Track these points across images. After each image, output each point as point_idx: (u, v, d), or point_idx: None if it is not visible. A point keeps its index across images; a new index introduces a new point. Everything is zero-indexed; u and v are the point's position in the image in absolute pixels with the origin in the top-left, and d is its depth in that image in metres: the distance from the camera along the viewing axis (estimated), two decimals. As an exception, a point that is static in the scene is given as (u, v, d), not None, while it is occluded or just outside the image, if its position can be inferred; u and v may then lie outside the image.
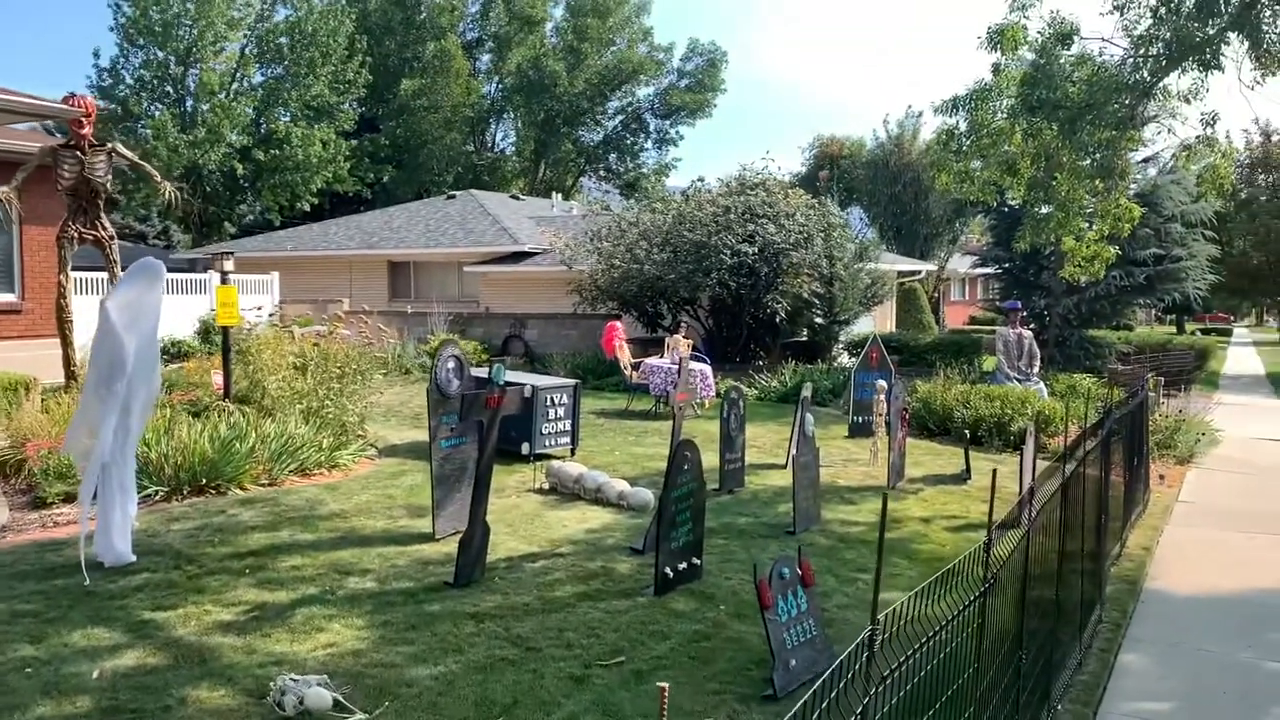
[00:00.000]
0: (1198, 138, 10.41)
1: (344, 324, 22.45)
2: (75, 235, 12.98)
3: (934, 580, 3.65)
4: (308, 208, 39.34)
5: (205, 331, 21.08)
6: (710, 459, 9.68)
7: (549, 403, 10.98)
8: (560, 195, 20.10)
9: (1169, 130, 11.23)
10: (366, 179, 43.69)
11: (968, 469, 11.29)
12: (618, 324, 15.72)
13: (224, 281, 11.01)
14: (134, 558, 6.86)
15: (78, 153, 12.39)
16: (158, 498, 8.72)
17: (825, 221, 19.43)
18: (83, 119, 12.76)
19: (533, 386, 10.86)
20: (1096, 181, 10.71)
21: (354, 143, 42.98)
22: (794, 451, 8.38)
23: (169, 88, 38.25)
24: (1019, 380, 15.73)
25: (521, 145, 50.62)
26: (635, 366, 15.36)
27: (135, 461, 7.08)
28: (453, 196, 31.74)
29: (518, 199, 33.42)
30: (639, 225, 19.62)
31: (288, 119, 39.51)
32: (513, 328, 22.18)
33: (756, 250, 18.24)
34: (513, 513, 8.63)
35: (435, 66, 43.31)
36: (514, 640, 5.74)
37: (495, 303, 25.36)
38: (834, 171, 45.28)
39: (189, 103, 38.42)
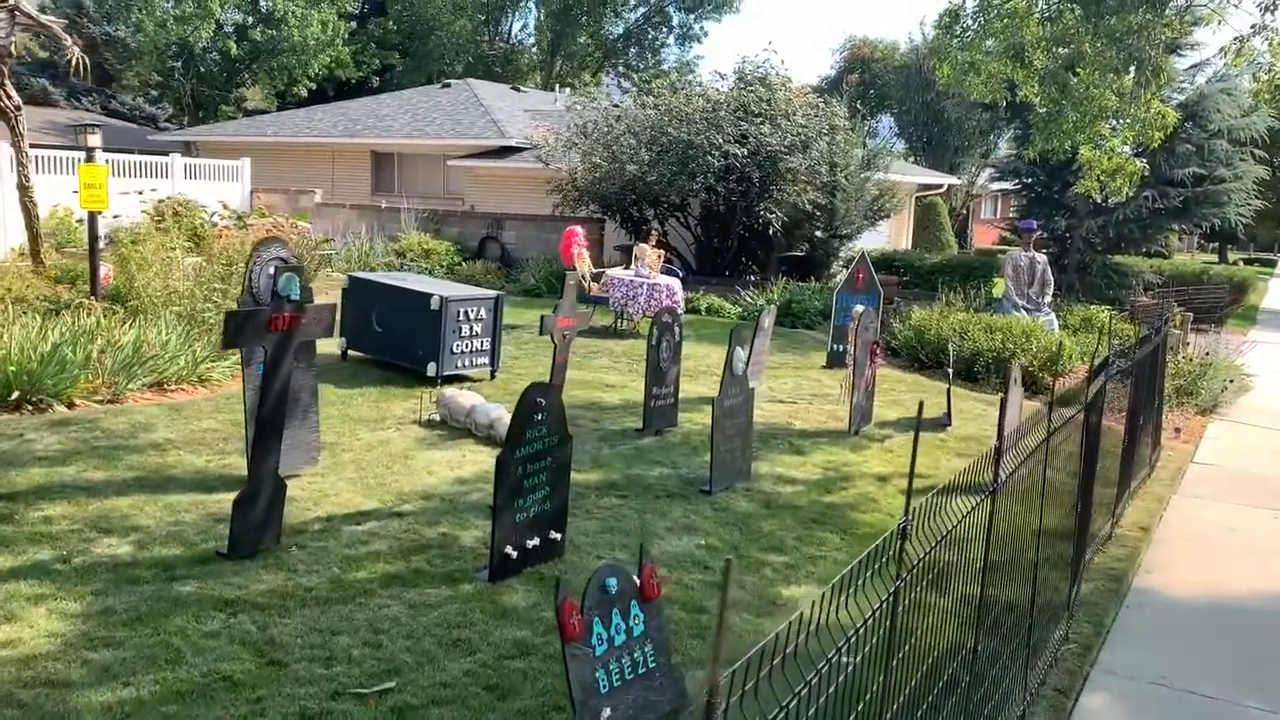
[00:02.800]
0: (1253, 28, 8.46)
1: (307, 218, 20.93)
2: None
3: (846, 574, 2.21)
4: (305, 93, 37.41)
5: (160, 217, 19.60)
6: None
7: (461, 316, 9.42)
8: (568, 90, 18.18)
9: (1219, 21, 9.24)
10: (372, 65, 41.56)
11: (949, 413, 9.68)
12: (577, 229, 14.03)
13: (89, 159, 9.43)
14: None
15: (-28, 11, 10.77)
16: (-6, 412, 7.34)
17: (829, 124, 17.45)
18: (-29, -30, 11.10)
19: (441, 297, 9.30)
20: (1125, 78, 8.83)
21: (358, 26, 40.79)
22: (719, 394, 6.84)
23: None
24: (1027, 310, 13.98)
25: (539, 36, 48.10)
26: (597, 278, 13.74)
27: None
28: (448, 85, 29.71)
29: (520, 90, 31.31)
30: (626, 119, 17.73)
31: (284, -2, 37.34)
32: (490, 229, 20.51)
33: (748, 153, 16.36)
34: (375, 452, 7.15)
35: (444, -53, 40.74)
36: (260, 647, 4.28)
37: (481, 201, 23.63)
38: (864, 76, 42.63)
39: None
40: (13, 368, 7.53)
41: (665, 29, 47.74)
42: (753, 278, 18.38)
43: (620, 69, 49.47)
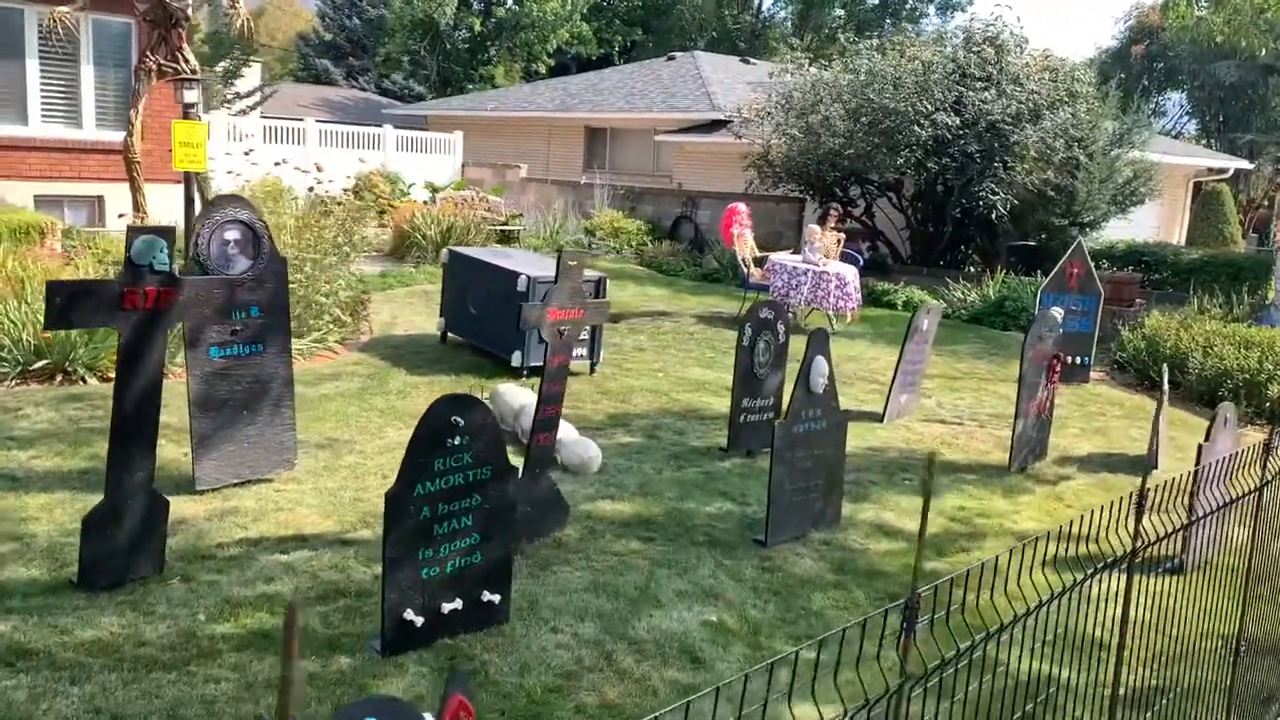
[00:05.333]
0: None
1: (500, 191, 20.44)
2: (154, 68, 11.38)
3: None
4: (543, 70, 37.54)
5: (359, 189, 19.71)
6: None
7: (553, 300, 8.18)
8: (807, 61, 16.64)
9: None
10: (614, 43, 41.24)
11: (1156, 450, 7.45)
12: (740, 206, 12.42)
13: (186, 116, 8.94)
14: None
15: (152, -27, 10.67)
16: (9, 378, 6.87)
17: (1067, 90, 14.83)
18: (148, -67, 11.01)
19: (528, 276, 8.12)
20: None
21: (602, 3, 40.55)
22: (786, 415, 5.20)
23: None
24: (1303, 322, 11.11)
25: (790, 9, 46.18)
26: (760, 262, 12.14)
27: None
28: (672, 58, 28.56)
29: (749, 63, 29.67)
30: (824, 86, 15.87)
31: (530, -28, 37.52)
32: (684, 207, 19.19)
33: (962, 123, 14.12)
34: (386, 456, 6.02)
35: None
36: (2, 731, 3.22)
37: (689, 178, 22.37)
38: (1150, 48, 37.79)
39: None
40: (47, 335, 7.02)
41: (925, -6, 44.45)
42: (971, 269, 16.12)
43: (874, 42, 46.72)
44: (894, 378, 8.12)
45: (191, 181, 9.10)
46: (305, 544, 4.76)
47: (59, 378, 7.01)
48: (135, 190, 11.40)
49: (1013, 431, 7.03)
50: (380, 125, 22.66)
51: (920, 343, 8.25)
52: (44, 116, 14.87)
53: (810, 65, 17.33)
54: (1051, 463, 7.38)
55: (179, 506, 5.05)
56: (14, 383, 6.85)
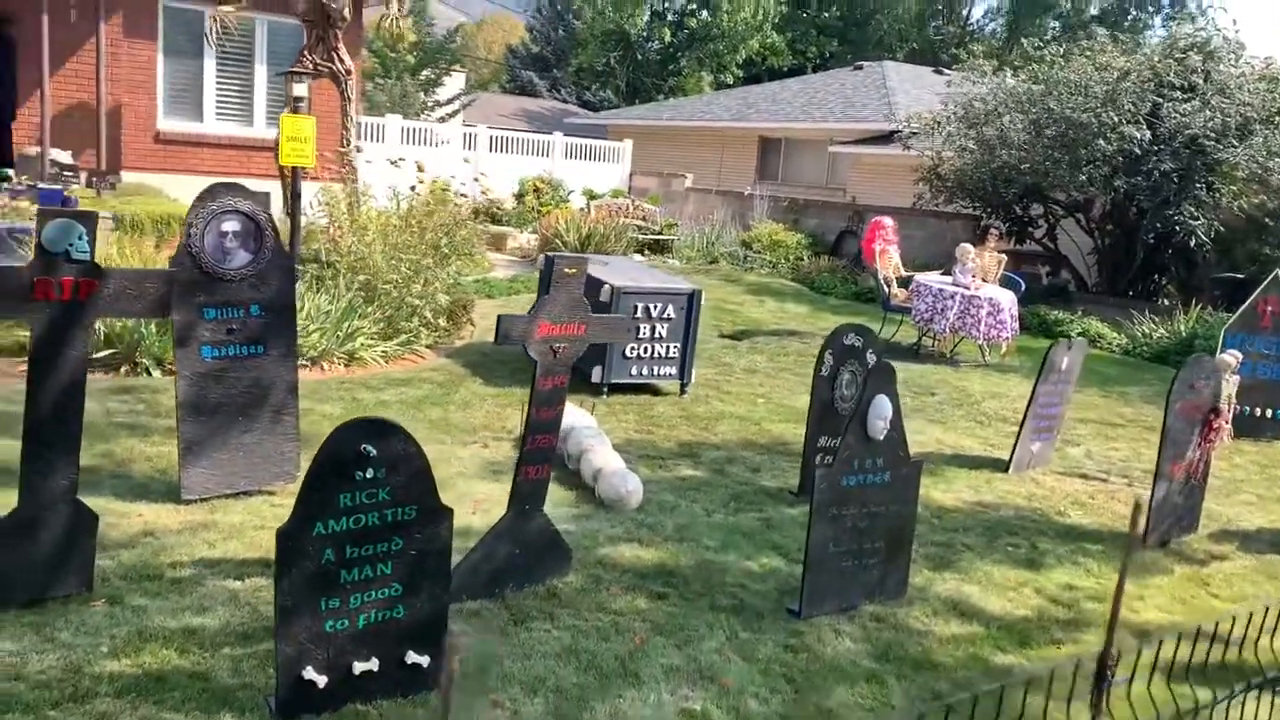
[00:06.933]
0: None
1: (656, 201, 19.93)
2: (312, 67, 11.57)
3: None
4: (731, 80, 36.95)
5: (521, 194, 19.69)
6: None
7: (639, 312, 7.55)
8: (990, 68, 15.26)
9: None
10: (808, 53, 40.18)
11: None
12: (885, 220, 11.34)
13: (295, 111, 8.81)
14: None
15: (310, -28, 10.83)
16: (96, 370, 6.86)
17: (1288, 100, 12.94)
18: (305, -66, 11.17)
19: (612, 286, 7.50)
20: None
21: (798, 12, 39.60)
22: (833, 464, 4.34)
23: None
24: None
25: (1001, 19, 43.78)
26: (905, 282, 11.07)
27: None
28: (859, 67, 27.32)
29: (941, 74, 28.04)
30: (1002, 94, 14.52)
31: (723, -19, 37.00)
32: (849, 222, 18.10)
33: (1155, 137, 12.52)
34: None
35: (893, -76, 38.12)
36: None
37: (863, 192, 21.21)
38: None
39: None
40: (119, 325, 6.95)
41: (1150, 6, 41.08)
42: (1165, 301, 14.37)
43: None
44: (1023, 422, 7.02)
45: (297, 176, 8.98)
46: (266, 570, 4.29)
47: (124, 368, 6.93)
48: (285, 185, 11.51)
49: (1150, 496, 5.84)
50: (555, 133, 22.66)
51: (1058, 383, 7.10)
52: (218, 114, 15.45)
53: (994, 73, 15.95)
54: (1204, 537, 6.13)
55: (157, 515, 4.72)
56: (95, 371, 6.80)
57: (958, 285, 10.33)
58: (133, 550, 4.30)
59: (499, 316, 3.93)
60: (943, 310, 10.19)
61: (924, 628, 4.51)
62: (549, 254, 8.98)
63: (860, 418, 4.46)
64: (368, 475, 3.24)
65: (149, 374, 6.94)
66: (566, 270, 4.04)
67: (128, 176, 13.27)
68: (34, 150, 11.49)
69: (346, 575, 3.30)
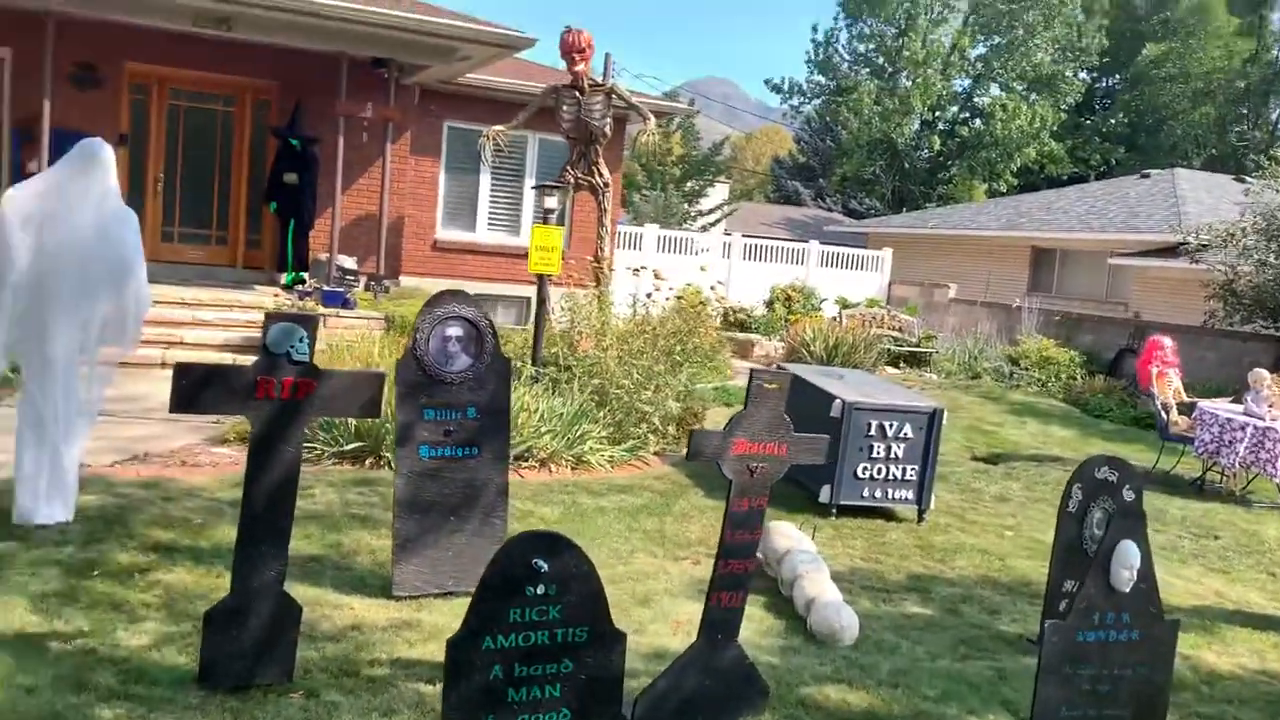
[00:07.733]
0: None
1: (911, 312, 19.25)
2: (572, 181, 12.30)
3: None
4: (1005, 189, 35.68)
5: (771, 302, 19.63)
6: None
7: (874, 430, 7.14)
8: None
9: None
10: (1091, 160, 38.25)
11: None
12: (1164, 340, 10.25)
13: (544, 221, 9.18)
14: (55, 518, 5.42)
15: (576, 93, 11.58)
16: (324, 457, 7.30)
17: None
18: (574, 55, 11.94)
19: (844, 401, 7.16)
20: None
21: (1080, 119, 37.94)
22: (1063, 616, 3.77)
23: (881, 60, 37.46)
24: None
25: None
26: (1187, 409, 9.95)
27: (86, 402, 5.54)
28: (1146, 175, 25.58)
29: (1242, 181, 25.73)
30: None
31: (999, 91, 36.13)
32: (1129, 339, 16.68)
33: None
34: (610, 589, 5.40)
35: (1188, 26, 35.84)
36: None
37: (1148, 308, 19.62)
38: None
39: (902, 75, 37.20)
40: (368, 420, 7.35)
41: None
42: None
43: None
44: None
45: (544, 283, 9.32)
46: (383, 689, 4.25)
47: (369, 460, 7.30)
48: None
49: None
50: (811, 240, 22.62)
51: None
52: (490, 224, 16.55)
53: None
54: None
55: (367, 610, 4.82)
56: (330, 462, 7.22)
57: (1250, 414, 9.17)
58: (338, 644, 4.39)
59: (691, 431, 3.77)
60: (1231, 442, 9.05)
61: (1181, 822, 3.81)
62: (781, 364, 8.76)
63: (1102, 564, 3.91)
64: (538, 591, 3.12)
65: (390, 468, 7.26)
66: (766, 385, 3.84)
67: (405, 280, 14.36)
68: (325, 256, 12.65)
69: (514, 694, 3.17)
